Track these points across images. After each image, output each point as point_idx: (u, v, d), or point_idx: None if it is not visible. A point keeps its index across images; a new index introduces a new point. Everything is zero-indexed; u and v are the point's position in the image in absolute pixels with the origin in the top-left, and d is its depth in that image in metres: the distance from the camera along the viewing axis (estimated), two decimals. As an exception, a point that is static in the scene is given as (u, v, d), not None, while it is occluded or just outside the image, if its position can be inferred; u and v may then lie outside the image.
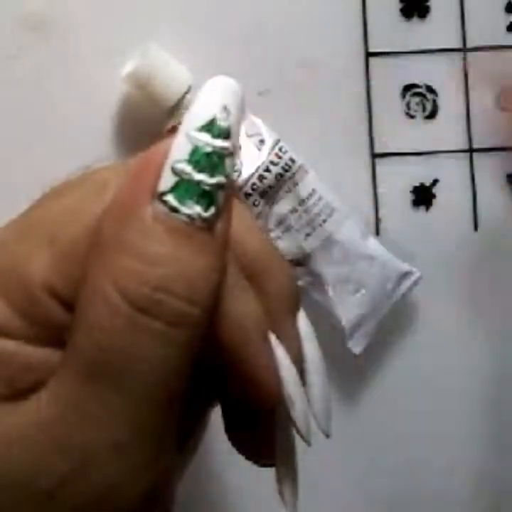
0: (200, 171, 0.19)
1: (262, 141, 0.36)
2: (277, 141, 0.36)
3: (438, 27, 0.39)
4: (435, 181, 0.39)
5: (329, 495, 0.39)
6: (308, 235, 0.36)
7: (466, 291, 0.39)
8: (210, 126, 0.19)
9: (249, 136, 0.36)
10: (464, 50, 0.39)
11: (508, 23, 0.39)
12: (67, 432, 0.19)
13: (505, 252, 0.39)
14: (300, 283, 0.37)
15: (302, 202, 0.36)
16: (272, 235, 0.37)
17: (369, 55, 0.39)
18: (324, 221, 0.36)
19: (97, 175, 0.21)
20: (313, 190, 0.37)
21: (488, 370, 0.39)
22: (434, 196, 0.39)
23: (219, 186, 0.19)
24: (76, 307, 0.19)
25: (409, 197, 0.39)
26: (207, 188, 0.19)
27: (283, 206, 0.36)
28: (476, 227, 0.39)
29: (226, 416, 0.25)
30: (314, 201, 0.36)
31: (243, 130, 0.36)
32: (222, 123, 0.20)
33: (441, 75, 0.39)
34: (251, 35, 0.38)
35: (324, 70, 0.38)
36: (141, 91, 0.36)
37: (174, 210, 0.19)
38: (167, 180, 0.19)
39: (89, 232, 0.20)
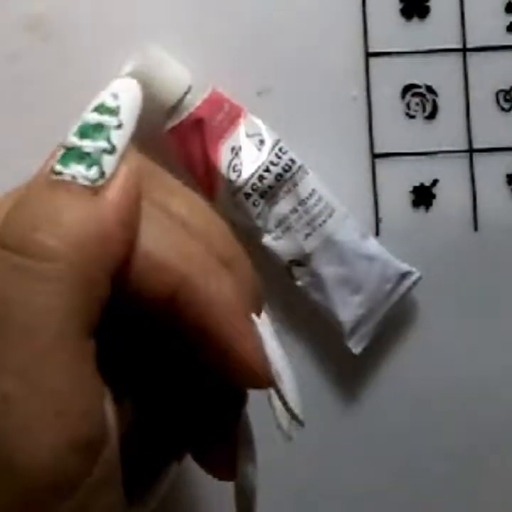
0: (83, 138, 0.22)
1: (262, 142, 0.36)
2: (277, 141, 0.36)
3: (438, 27, 0.39)
4: (435, 181, 0.39)
5: (328, 494, 0.39)
6: (308, 235, 0.36)
7: (466, 291, 0.39)
8: (98, 108, 0.22)
9: (249, 136, 0.36)
10: (464, 50, 0.39)
11: (508, 23, 0.39)
12: None
13: (505, 252, 0.39)
14: (300, 283, 0.37)
15: (302, 202, 0.36)
16: (272, 235, 0.37)
17: (369, 55, 0.39)
18: (324, 221, 0.36)
19: None
20: (313, 191, 0.37)
21: (488, 370, 0.39)
22: (434, 196, 0.39)
23: (102, 150, 0.22)
24: None
25: (409, 197, 0.39)
26: (88, 150, 0.21)
27: (283, 206, 0.36)
28: (476, 227, 0.39)
29: (189, 433, 0.25)
30: (314, 201, 0.36)
31: (243, 130, 0.36)
32: (109, 104, 0.23)
33: (441, 75, 0.39)
34: (251, 35, 0.38)
35: (324, 70, 0.38)
36: (141, 91, 0.36)
37: (59, 173, 0.21)
38: (58, 155, 0.22)
39: None
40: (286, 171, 0.36)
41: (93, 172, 0.21)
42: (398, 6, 0.39)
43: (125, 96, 0.23)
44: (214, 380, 0.25)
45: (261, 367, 0.22)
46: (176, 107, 0.36)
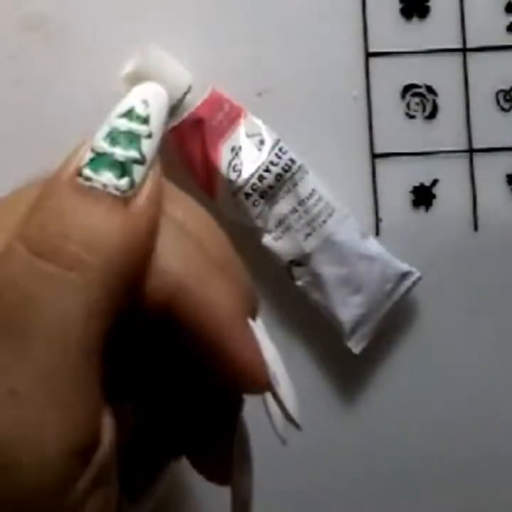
0: (114, 145, 0.22)
1: (262, 141, 0.36)
2: (277, 141, 0.36)
3: (438, 27, 0.39)
4: (435, 181, 0.39)
5: (327, 494, 0.39)
6: (308, 235, 0.36)
7: (466, 291, 0.39)
8: (128, 114, 0.22)
9: (249, 136, 0.36)
10: (464, 50, 0.39)
11: (508, 23, 0.39)
12: None
13: (505, 252, 0.39)
14: (300, 283, 0.37)
15: (302, 202, 0.36)
16: (272, 235, 0.37)
17: (369, 55, 0.39)
18: (324, 221, 0.36)
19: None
20: (313, 191, 0.37)
21: (488, 369, 0.39)
22: (434, 196, 0.39)
23: (133, 160, 0.22)
24: None
25: (409, 197, 0.39)
26: (119, 158, 0.21)
27: (283, 206, 0.37)
28: (476, 227, 0.39)
29: (186, 439, 0.25)
30: (314, 201, 0.36)
31: (243, 130, 0.36)
32: (140, 112, 0.22)
33: (441, 75, 0.39)
34: (251, 35, 0.38)
35: (324, 70, 0.38)
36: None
37: (89, 179, 0.21)
38: (85, 157, 0.21)
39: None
40: (286, 171, 0.36)
41: (124, 182, 0.21)
42: (398, 6, 0.39)
43: (154, 103, 0.23)
44: (212, 385, 0.25)
45: (260, 369, 0.22)
46: (176, 107, 0.36)
